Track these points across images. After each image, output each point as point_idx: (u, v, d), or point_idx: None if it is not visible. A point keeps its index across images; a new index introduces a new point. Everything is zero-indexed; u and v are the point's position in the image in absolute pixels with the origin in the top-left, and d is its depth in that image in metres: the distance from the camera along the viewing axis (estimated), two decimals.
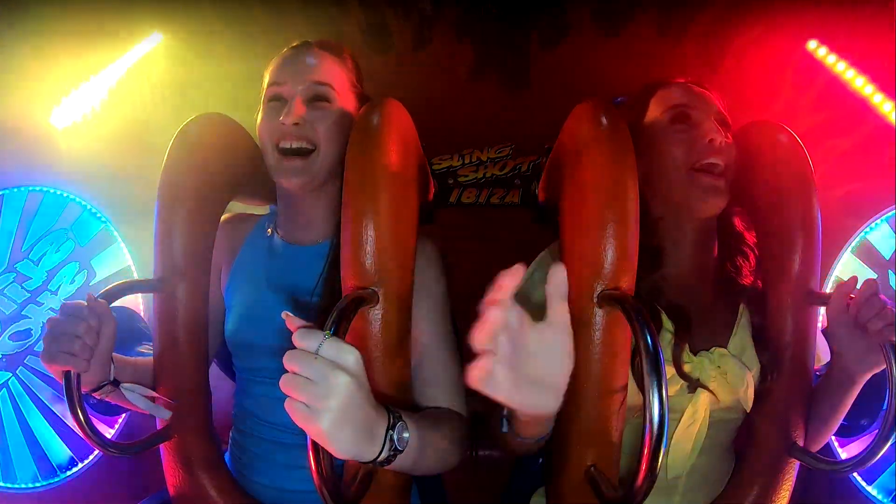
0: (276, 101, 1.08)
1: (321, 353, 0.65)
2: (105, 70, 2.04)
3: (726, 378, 0.96)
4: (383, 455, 0.73)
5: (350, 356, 0.66)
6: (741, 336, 1.04)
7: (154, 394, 1.02)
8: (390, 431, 0.73)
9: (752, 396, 0.98)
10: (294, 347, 0.66)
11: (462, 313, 1.25)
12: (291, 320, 0.68)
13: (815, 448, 1.06)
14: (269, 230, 1.17)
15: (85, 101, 2.08)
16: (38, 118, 2.07)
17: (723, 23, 1.83)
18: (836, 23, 1.79)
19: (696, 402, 0.96)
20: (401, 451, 0.74)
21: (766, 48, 1.78)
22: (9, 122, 2.04)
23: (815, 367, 1.07)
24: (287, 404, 0.64)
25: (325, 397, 0.63)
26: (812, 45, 1.83)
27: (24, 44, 2.00)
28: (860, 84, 1.82)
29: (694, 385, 0.95)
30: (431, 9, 1.95)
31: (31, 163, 2.08)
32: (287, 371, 0.65)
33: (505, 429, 0.81)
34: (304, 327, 0.67)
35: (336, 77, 1.10)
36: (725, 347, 1.02)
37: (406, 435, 0.75)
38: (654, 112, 1.07)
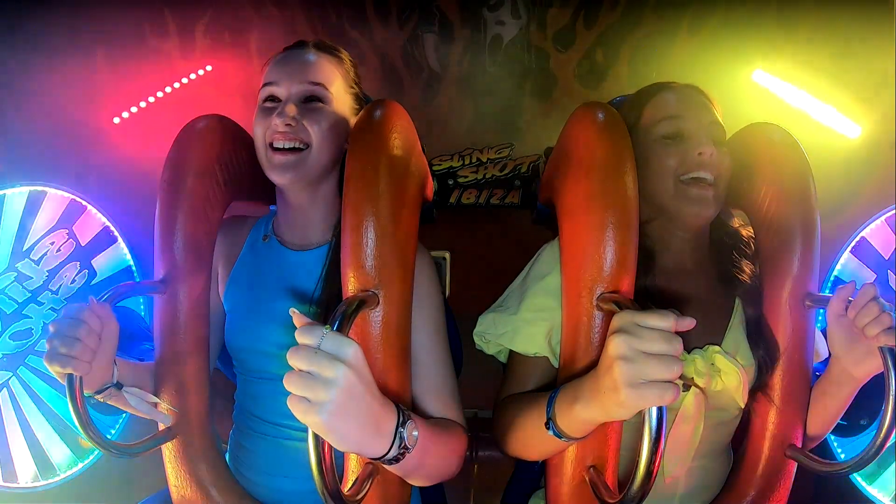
0: (271, 100, 1.08)
1: (322, 348, 0.65)
2: (159, 90, 2.26)
3: (720, 376, 0.96)
4: (392, 453, 0.73)
5: (350, 348, 0.67)
6: (735, 332, 1.04)
7: (156, 399, 1.02)
8: (400, 429, 0.73)
9: (747, 394, 0.98)
10: (297, 345, 0.67)
11: (462, 313, 1.26)
12: (297, 317, 0.69)
13: (811, 445, 1.07)
14: (265, 237, 1.16)
15: (129, 109, 2.25)
16: (89, 120, 2.22)
17: (684, 66, 2.21)
18: (779, 52, 2.15)
19: (689, 400, 0.96)
20: (409, 450, 0.75)
21: (721, 81, 2.11)
22: (63, 121, 2.19)
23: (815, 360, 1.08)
24: (289, 400, 0.64)
25: (324, 390, 0.64)
26: (758, 74, 2.17)
27: (83, 54, 2.19)
28: (805, 100, 2.13)
29: (687, 384, 0.96)
30: (439, 67, 2.35)
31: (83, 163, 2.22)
32: (291, 370, 0.66)
33: (552, 431, 0.81)
34: (307, 324, 0.68)
35: (331, 77, 1.10)
36: (720, 345, 1.02)
37: (416, 433, 0.76)
38: (647, 120, 1.07)
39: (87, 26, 2.18)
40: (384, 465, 0.77)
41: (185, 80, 2.24)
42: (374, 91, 2.23)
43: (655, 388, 0.65)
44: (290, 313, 0.69)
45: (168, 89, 2.23)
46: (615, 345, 0.68)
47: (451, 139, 2.34)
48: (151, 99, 2.22)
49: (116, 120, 2.21)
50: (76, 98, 2.18)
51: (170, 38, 2.24)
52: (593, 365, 0.75)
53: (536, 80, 2.34)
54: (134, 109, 2.21)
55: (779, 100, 2.16)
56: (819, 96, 2.14)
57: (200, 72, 2.25)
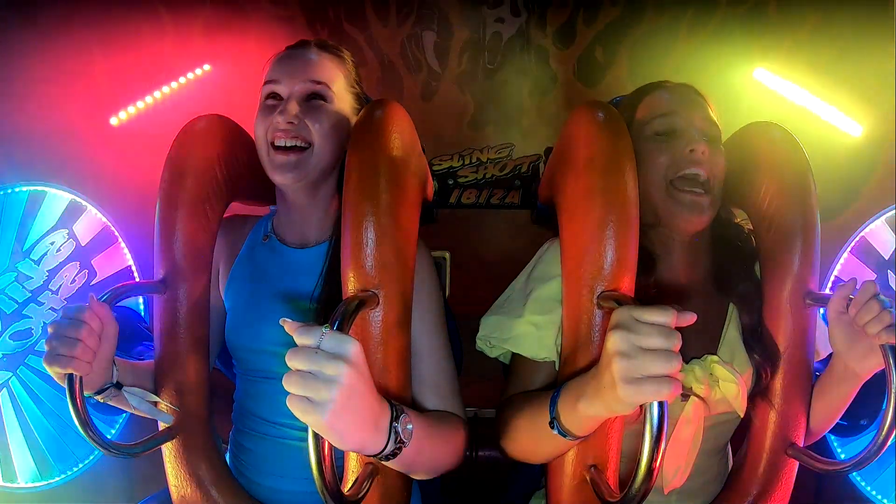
0: (273, 98, 1.08)
1: (322, 347, 0.65)
2: (157, 88, 2.26)
3: (718, 385, 0.96)
4: (389, 448, 0.73)
5: (350, 346, 0.66)
6: (731, 339, 1.04)
7: (156, 398, 1.02)
8: (394, 423, 0.73)
9: (745, 402, 0.98)
10: (296, 346, 0.66)
11: (462, 313, 1.26)
12: (289, 325, 0.68)
13: (810, 441, 1.07)
14: (265, 237, 1.16)
15: (127, 112, 2.25)
16: (87, 123, 2.21)
17: (685, 64, 2.22)
18: (779, 50, 2.17)
19: (689, 411, 0.96)
20: (406, 444, 0.75)
21: (722, 80, 2.16)
22: (60, 124, 2.18)
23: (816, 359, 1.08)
24: (289, 400, 0.64)
25: (325, 388, 0.64)
26: (759, 72, 2.19)
27: (82, 54, 2.19)
28: (806, 99, 2.14)
29: (686, 394, 0.95)
30: (438, 65, 2.35)
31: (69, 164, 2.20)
32: (290, 370, 0.65)
33: (556, 430, 0.81)
34: (304, 325, 0.67)
35: (333, 76, 1.10)
36: (715, 352, 1.02)
37: (410, 427, 0.76)
38: (640, 118, 1.07)
39: (85, 26, 2.18)
40: (384, 463, 0.77)
41: (182, 80, 2.24)
42: (373, 89, 2.24)
43: (653, 384, 0.65)
44: (281, 323, 0.68)
45: (166, 89, 2.23)
46: (613, 341, 0.68)
47: (450, 137, 2.34)
48: (149, 99, 2.22)
49: (114, 121, 2.21)
50: (76, 98, 2.18)
51: (167, 37, 2.24)
52: (594, 363, 0.75)
53: (536, 78, 2.34)
54: (132, 110, 2.21)
55: (779, 98, 2.17)
56: (820, 95, 2.15)
57: (198, 71, 2.25)
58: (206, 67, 2.26)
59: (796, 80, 2.16)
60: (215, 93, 2.24)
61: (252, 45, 2.16)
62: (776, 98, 2.17)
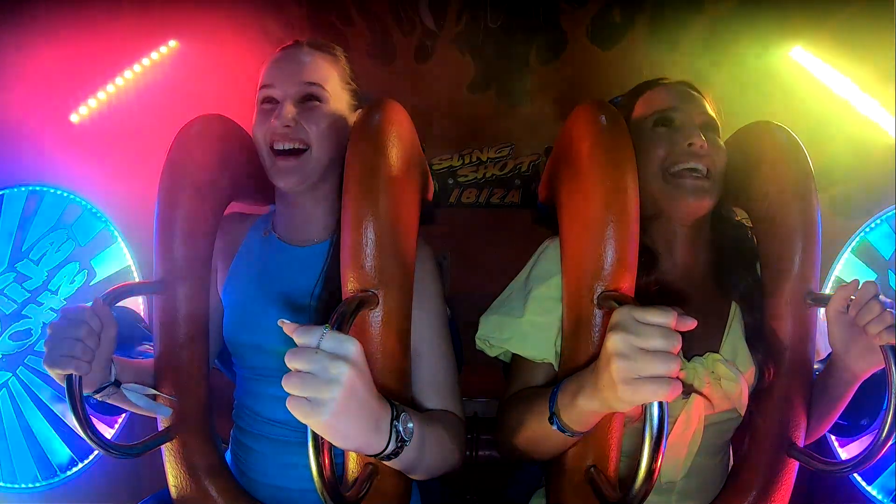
0: (269, 102, 1.09)
1: (322, 347, 0.65)
2: (119, 73, 2.08)
3: (720, 383, 0.96)
4: (390, 447, 0.73)
5: (351, 346, 0.66)
6: (733, 337, 1.04)
7: (155, 392, 1.02)
8: (395, 422, 0.73)
9: (747, 400, 0.98)
10: (295, 346, 0.66)
11: (462, 313, 1.26)
12: (288, 326, 0.68)
13: (809, 441, 1.07)
14: (266, 232, 1.17)
15: (97, 101, 2.10)
16: (53, 117, 2.09)
17: (712, 33, 1.96)
18: (819, 29, 1.89)
19: (690, 408, 0.96)
20: (407, 443, 0.75)
21: (753, 56, 1.87)
22: (23, 120, 2.07)
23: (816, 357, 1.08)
24: (289, 401, 0.64)
25: (327, 388, 0.63)
26: (797, 51, 1.91)
27: (43, 44, 2.02)
28: (846, 88, 1.88)
29: (688, 391, 0.95)
30: (434, 24, 2.08)
31: (43, 161, 2.12)
32: (290, 370, 0.65)
33: (556, 425, 0.81)
34: (304, 326, 0.67)
35: (327, 76, 1.10)
36: (718, 350, 1.02)
37: (411, 425, 0.76)
38: (638, 114, 1.07)
39: (35, 15, 2.04)
40: (385, 462, 0.77)
41: (145, 62, 2.06)
42: (363, 51, 2.08)
43: (651, 384, 0.65)
44: (280, 325, 0.68)
45: (137, 69, 2.05)
46: (613, 341, 0.68)
47: (446, 108, 2.14)
48: (120, 81, 2.05)
49: (75, 118, 2.06)
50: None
51: (127, 18, 2.02)
52: (593, 363, 0.75)
53: (545, 39, 2.12)
54: (102, 96, 2.07)
55: (816, 84, 1.90)
56: (862, 86, 1.89)
57: (163, 49, 2.06)
58: (172, 44, 2.06)
59: (838, 66, 1.90)
60: (187, 71, 2.05)
61: (222, 15, 1.95)
62: (813, 84, 1.91)
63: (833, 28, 1.89)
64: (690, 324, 0.68)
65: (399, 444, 0.74)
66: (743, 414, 0.99)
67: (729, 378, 0.96)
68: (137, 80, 2.08)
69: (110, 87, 2.07)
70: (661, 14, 2.06)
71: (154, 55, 2.07)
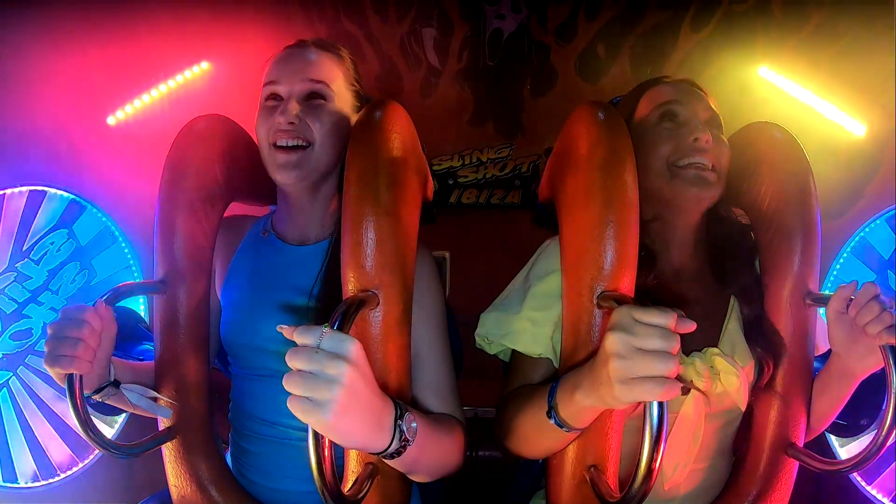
0: (273, 99, 1.08)
1: (322, 347, 0.65)
2: (148, 88, 2.26)
3: (719, 378, 0.96)
4: (393, 446, 0.73)
5: (350, 345, 0.67)
6: (732, 332, 1.04)
7: (155, 394, 1.02)
8: (398, 421, 0.74)
9: (747, 396, 0.98)
10: (294, 346, 0.66)
11: (462, 313, 1.26)
12: (287, 329, 0.68)
13: (807, 440, 1.07)
14: (264, 232, 1.17)
15: (125, 111, 2.26)
16: (84, 123, 2.22)
17: (689, 60, 2.27)
18: (780, 50, 2.23)
19: (689, 404, 0.96)
20: (410, 442, 0.75)
21: (726, 77, 2.19)
22: (60, 124, 2.19)
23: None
24: (290, 401, 0.64)
25: (327, 388, 0.64)
26: (763, 70, 2.23)
27: (79, 52, 2.18)
28: (807, 96, 2.19)
29: (687, 387, 0.95)
30: (438, 61, 2.35)
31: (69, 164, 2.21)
32: (289, 370, 0.65)
33: (553, 420, 0.81)
34: (304, 326, 0.67)
35: (332, 74, 1.10)
36: (716, 344, 1.01)
37: (414, 424, 0.76)
38: (642, 110, 1.07)
39: (79, 24, 2.16)
40: (386, 461, 0.77)
41: (179, 78, 2.23)
42: (372, 85, 2.23)
43: (648, 384, 0.65)
44: (279, 329, 0.68)
45: (163, 87, 2.22)
46: (611, 341, 0.68)
47: (449, 134, 2.33)
48: (147, 98, 2.21)
49: (112, 120, 2.20)
50: (75, 98, 2.18)
51: (163, 35, 2.22)
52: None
53: (537, 75, 2.34)
54: (129, 109, 2.20)
55: (784, 97, 2.18)
56: (823, 94, 2.16)
57: (195, 69, 2.24)
58: (204, 65, 2.26)
59: (799, 80, 2.18)
60: (213, 90, 2.24)
61: (250, 42, 2.15)
62: (780, 97, 2.18)
63: (791, 48, 2.23)
64: (690, 326, 0.68)
65: (402, 444, 0.74)
66: (743, 409, 0.99)
67: (728, 372, 0.96)
68: (165, 95, 2.25)
69: (146, 97, 2.24)
70: (641, 49, 2.31)
71: (187, 73, 2.26)
